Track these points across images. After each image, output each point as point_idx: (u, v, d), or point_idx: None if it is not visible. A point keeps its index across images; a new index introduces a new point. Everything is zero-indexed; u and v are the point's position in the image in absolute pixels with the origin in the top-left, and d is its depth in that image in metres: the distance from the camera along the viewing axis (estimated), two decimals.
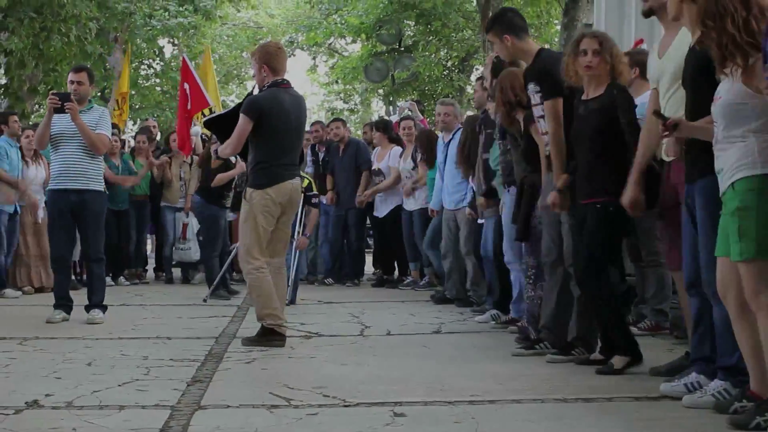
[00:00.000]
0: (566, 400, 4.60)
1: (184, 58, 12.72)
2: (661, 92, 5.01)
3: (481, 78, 8.69)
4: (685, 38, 4.76)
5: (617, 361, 5.35)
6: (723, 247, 4.11)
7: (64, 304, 7.88)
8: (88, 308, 7.82)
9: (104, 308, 7.88)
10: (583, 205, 5.49)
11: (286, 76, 6.93)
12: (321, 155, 12.28)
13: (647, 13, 5.28)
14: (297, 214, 8.82)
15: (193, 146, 12.34)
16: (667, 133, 4.40)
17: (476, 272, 8.88)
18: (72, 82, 7.90)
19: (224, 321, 7.86)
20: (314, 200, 9.75)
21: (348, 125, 13.83)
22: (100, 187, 7.94)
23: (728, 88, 4.09)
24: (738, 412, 4.06)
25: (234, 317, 8.21)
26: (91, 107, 7.97)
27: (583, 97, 5.58)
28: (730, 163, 4.03)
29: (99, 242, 7.94)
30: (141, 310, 8.97)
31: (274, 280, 6.68)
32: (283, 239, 6.85)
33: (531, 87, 5.98)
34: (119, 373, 5.37)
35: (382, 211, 11.69)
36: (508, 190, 7.12)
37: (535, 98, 5.95)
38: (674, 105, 4.80)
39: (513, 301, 7.43)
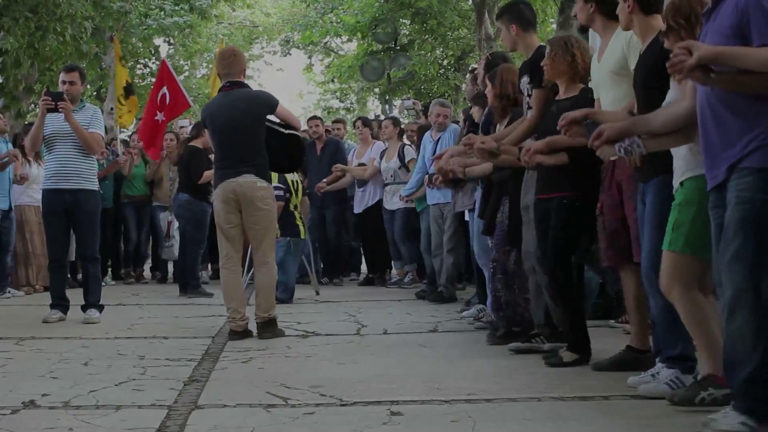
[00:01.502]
0: (563, 398, 4.60)
1: (164, 62, 12.61)
2: (601, 93, 5.20)
3: (473, 71, 8.71)
4: (618, 38, 5.07)
5: (566, 355, 5.49)
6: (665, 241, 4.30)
7: (60, 303, 7.89)
8: (84, 308, 7.82)
9: (101, 308, 7.88)
10: (545, 200, 5.56)
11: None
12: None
13: (582, 29, 5.44)
14: None
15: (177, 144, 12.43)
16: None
17: (453, 269, 8.97)
18: (64, 82, 7.89)
19: (221, 320, 7.85)
20: (276, 192, 9.63)
21: (346, 124, 13.75)
22: (95, 186, 7.95)
23: (671, 92, 4.30)
24: (705, 402, 4.14)
25: None
26: (83, 106, 7.98)
27: (557, 97, 5.66)
28: (682, 163, 4.25)
29: (94, 242, 7.94)
30: (137, 309, 8.97)
31: (255, 274, 7.04)
32: (256, 237, 6.97)
33: (524, 80, 6.05)
34: (116, 372, 5.37)
35: (359, 207, 11.67)
36: (482, 188, 7.19)
37: (527, 91, 6.00)
38: (616, 101, 5.02)
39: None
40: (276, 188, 9.44)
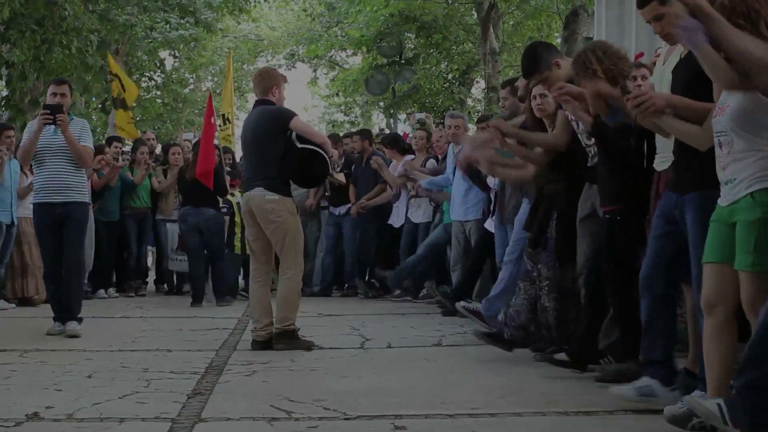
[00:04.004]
0: (567, 413, 4.59)
1: (210, 96, 12.70)
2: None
3: (509, 83, 8.57)
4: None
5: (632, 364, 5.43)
6: (718, 255, 4.10)
7: (62, 316, 7.83)
8: (63, 320, 7.70)
9: (80, 320, 7.75)
10: (604, 213, 5.56)
11: (288, 88, 7.42)
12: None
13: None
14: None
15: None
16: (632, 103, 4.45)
17: (484, 284, 8.93)
18: (55, 94, 7.78)
19: (225, 333, 7.86)
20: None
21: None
22: (85, 198, 7.92)
23: (741, 96, 4.01)
24: (696, 428, 3.99)
25: (235, 329, 8.21)
26: (72, 119, 7.84)
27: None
28: (749, 173, 3.97)
29: (80, 252, 7.89)
30: (141, 322, 8.97)
31: (277, 286, 7.12)
32: (277, 249, 7.12)
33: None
34: (119, 385, 5.37)
35: (397, 221, 11.64)
36: (529, 201, 7.17)
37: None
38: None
39: (488, 297, 7.35)
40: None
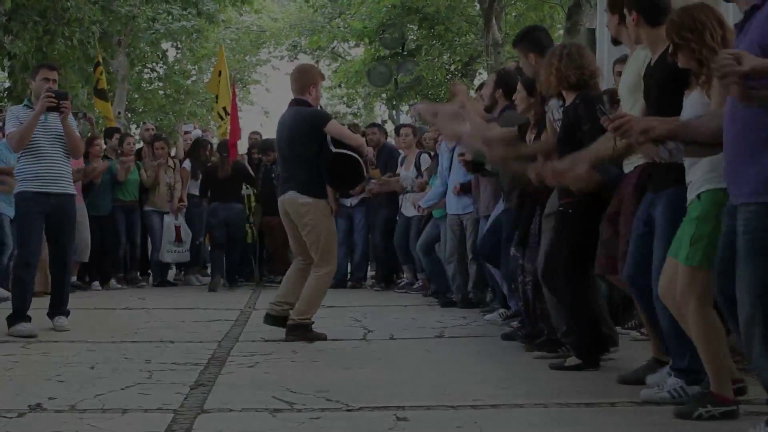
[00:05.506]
0: (569, 404, 4.60)
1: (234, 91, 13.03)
2: (624, 107, 5.15)
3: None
4: (639, 55, 5.00)
5: (569, 360, 5.57)
6: (672, 250, 4.28)
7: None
8: (52, 315, 7.54)
9: (68, 313, 7.62)
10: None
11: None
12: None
13: (614, 42, 5.45)
14: None
15: (185, 149, 12.98)
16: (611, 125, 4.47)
17: (479, 275, 8.93)
18: (48, 80, 7.41)
19: (227, 325, 7.87)
20: None
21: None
22: (74, 190, 7.77)
23: (693, 102, 4.20)
24: (703, 417, 4.12)
25: (237, 321, 8.22)
26: None
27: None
28: (699, 175, 4.17)
29: (72, 249, 7.81)
30: (144, 313, 8.97)
31: (308, 280, 7.17)
32: (312, 248, 7.09)
33: (553, 102, 5.98)
34: (122, 376, 5.38)
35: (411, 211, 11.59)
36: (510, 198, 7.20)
37: (556, 114, 5.97)
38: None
39: (509, 297, 7.55)
40: None
